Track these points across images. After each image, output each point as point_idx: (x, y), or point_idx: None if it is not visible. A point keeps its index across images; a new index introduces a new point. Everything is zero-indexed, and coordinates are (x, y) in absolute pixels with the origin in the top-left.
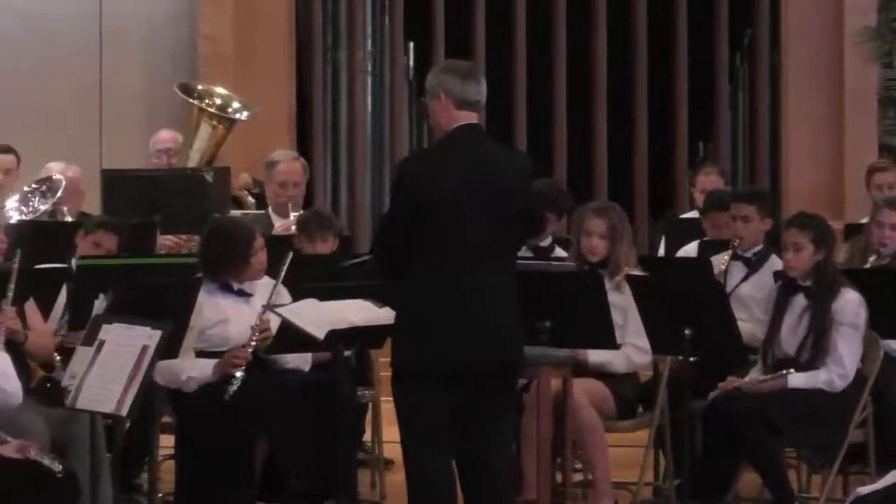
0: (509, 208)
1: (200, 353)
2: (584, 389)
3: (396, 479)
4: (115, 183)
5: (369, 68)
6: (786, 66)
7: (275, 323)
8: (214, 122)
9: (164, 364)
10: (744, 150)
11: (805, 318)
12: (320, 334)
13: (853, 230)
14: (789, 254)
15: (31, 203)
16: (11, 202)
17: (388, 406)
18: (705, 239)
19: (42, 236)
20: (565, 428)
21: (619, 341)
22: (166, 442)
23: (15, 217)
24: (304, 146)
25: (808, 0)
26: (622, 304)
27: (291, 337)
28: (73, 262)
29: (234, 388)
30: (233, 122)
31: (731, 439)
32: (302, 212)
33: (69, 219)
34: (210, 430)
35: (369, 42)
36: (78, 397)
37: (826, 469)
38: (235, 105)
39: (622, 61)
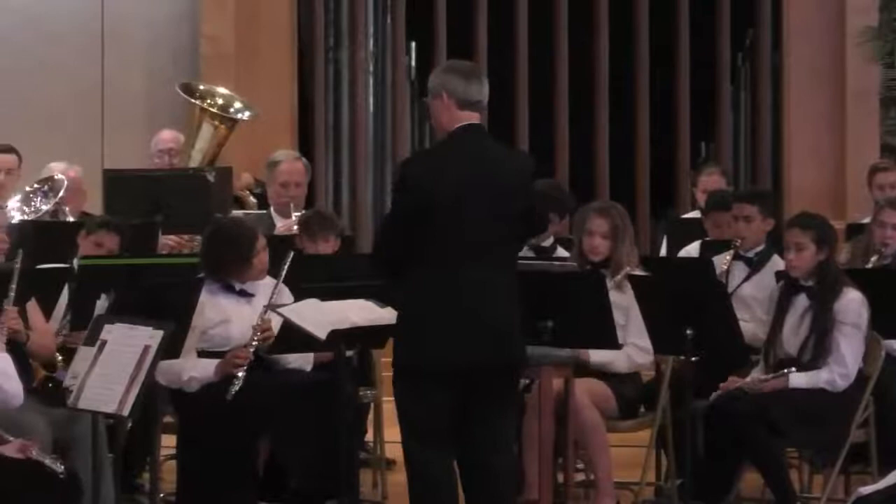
0: (511, 208)
1: (202, 354)
2: (586, 389)
3: (398, 479)
4: (117, 183)
5: (371, 68)
6: (787, 66)
7: (276, 323)
8: (216, 123)
9: (165, 364)
10: (746, 151)
11: (807, 318)
12: (322, 334)
13: (855, 230)
14: (791, 253)
15: (33, 203)
16: (13, 202)
17: (389, 406)
18: (707, 239)
19: (44, 236)
20: (567, 428)
21: (620, 341)
22: (168, 442)
23: (17, 217)
24: (305, 146)
25: (810, 0)
26: (624, 304)
27: (293, 337)
28: (75, 262)
29: (236, 388)
30: (235, 122)
31: (733, 439)
32: (304, 212)
33: (71, 219)
34: (212, 430)
35: (371, 42)
36: (80, 397)
37: (828, 469)
38: (237, 105)
39: (624, 61)
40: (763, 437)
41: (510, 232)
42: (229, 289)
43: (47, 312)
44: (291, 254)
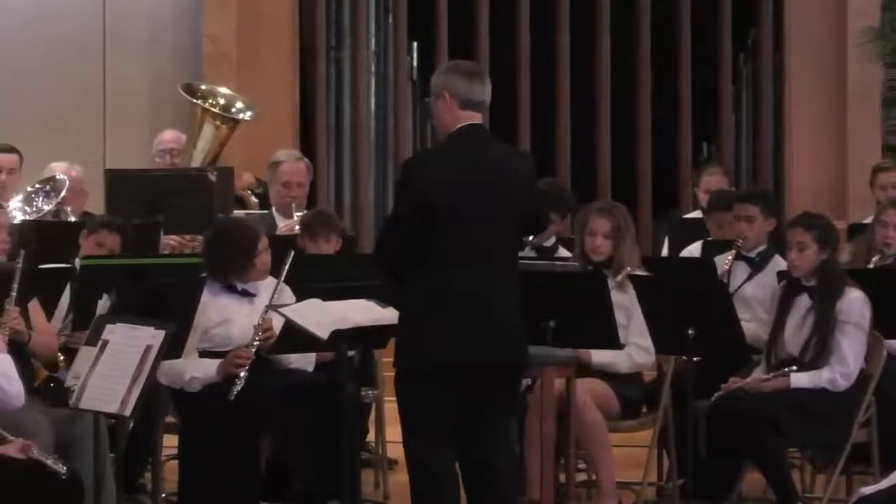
0: (513, 208)
1: (204, 354)
2: (588, 389)
3: (400, 479)
4: (119, 183)
5: (373, 68)
6: (789, 66)
7: (277, 323)
8: (218, 122)
9: (167, 364)
10: (747, 151)
11: (809, 318)
12: (324, 334)
13: (856, 230)
14: (794, 253)
15: (34, 203)
16: (15, 202)
17: (391, 406)
18: (709, 239)
19: (45, 236)
20: (569, 428)
21: (622, 341)
22: (170, 442)
23: (18, 217)
24: (307, 146)
25: (812, 0)
26: (626, 304)
27: (295, 337)
28: (77, 262)
29: (238, 388)
30: (236, 122)
31: (734, 439)
32: (305, 212)
33: (73, 219)
34: (213, 430)
35: (373, 42)
36: (81, 397)
37: (830, 469)
38: (239, 105)
39: (626, 62)
40: (765, 437)
41: (512, 232)
42: (231, 289)
43: (49, 312)
44: (292, 253)
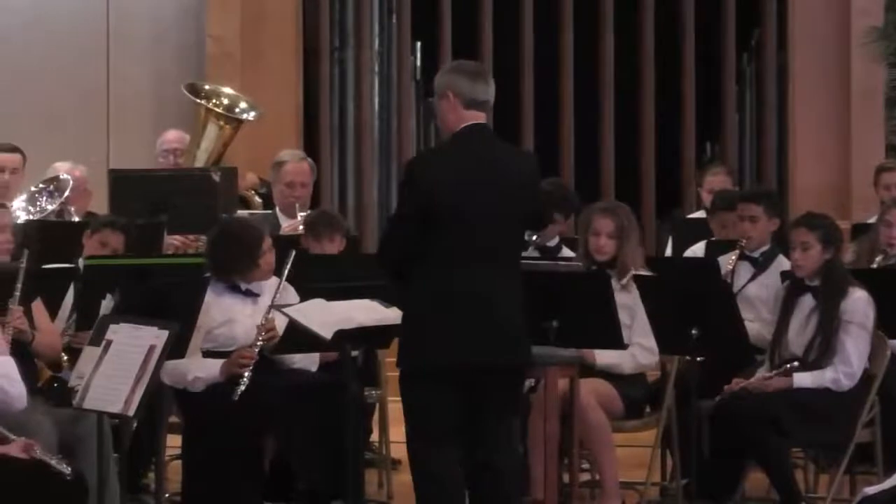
0: (517, 208)
1: (207, 354)
2: (592, 389)
3: (404, 479)
4: (122, 183)
5: (376, 68)
6: (793, 66)
7: (281, 323)
8: (221, 123)
9: (170, 364)
10: (751, 150)
11: (813, 318)
12: (327, 334)
13: (860, 230)
14: (797, 253)
15: (38, 203)
16: (18, 202)
17: (395, 406)
18: (712, 239)
19: (49, 236)
20: (572, 428)
21: (626, 341)
22: (173, 442)
23: (22, 217)
24: (311, 146)
25: (816, 1)
26: (629, 304)
27: (298, 337)
28: (81, 261)
29: (242, 388)
30: (240, 122)
31: (738, 439)
32: (309, 212)
33: (76, 219)
34: (217, 430)
35: (376, 42)
36: (85, 397)
37: (833, 469)
38: (242, 105)
39: (629, 61)
40: (768, 437)
41: (515, 232)
42: (235, 289)
43: (52, 312)
44: (293, 253)
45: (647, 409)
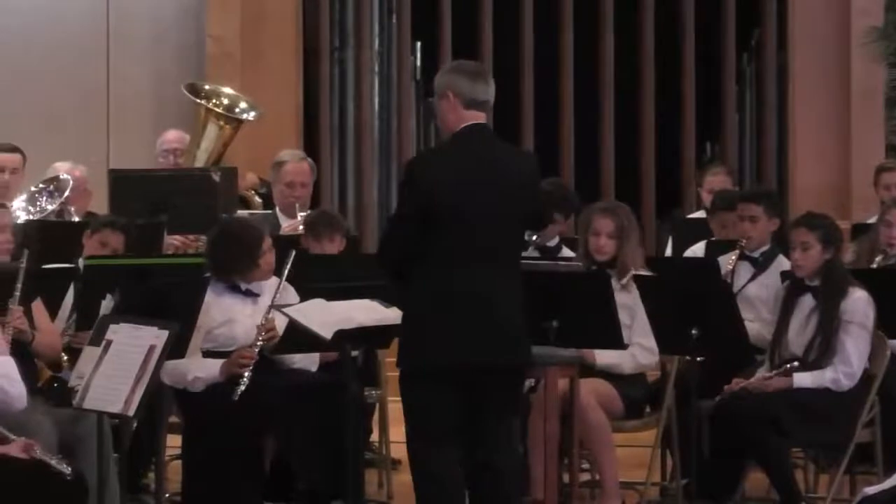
0: (516, 208)
1: (207, 354)
2: (592, 389)
3: (404, 479)
4: (122, 183)
5: (376, 68)
6: (793, 66)
7: (281, 323)
8: (221, 123)
9: (170, 364)
10: (751, 150)
11: (813, 318)
12: (327, 334)
13: (860, 230)
14: (797, 252)
15: (38, 203)
16: (18, 202)
17: (395, 406)
18: (712, 239)
19: (49, 236)
20: (572, 428)
21: (626, 341)
22: (173, 442)
23: (22, 217)
24: (310, 146)
25: (816, 1)
26: (629, 304)
27: (298, 337)
28: (81, 261)
29: (242, 388)
30: (240, 122)
31: (738, 439)
32: (309, 212)
33: (76, 219)
34: (217, 430)
35: (376, 42)
36: (85, 397)
37: (833, 469)
38: (242, 105)
39: (629, 61)
40: (768, 437)
41: (515, 232)
42: (235, 289)
43: (53, 312)
44: (293, 253)
45: (647, 409)
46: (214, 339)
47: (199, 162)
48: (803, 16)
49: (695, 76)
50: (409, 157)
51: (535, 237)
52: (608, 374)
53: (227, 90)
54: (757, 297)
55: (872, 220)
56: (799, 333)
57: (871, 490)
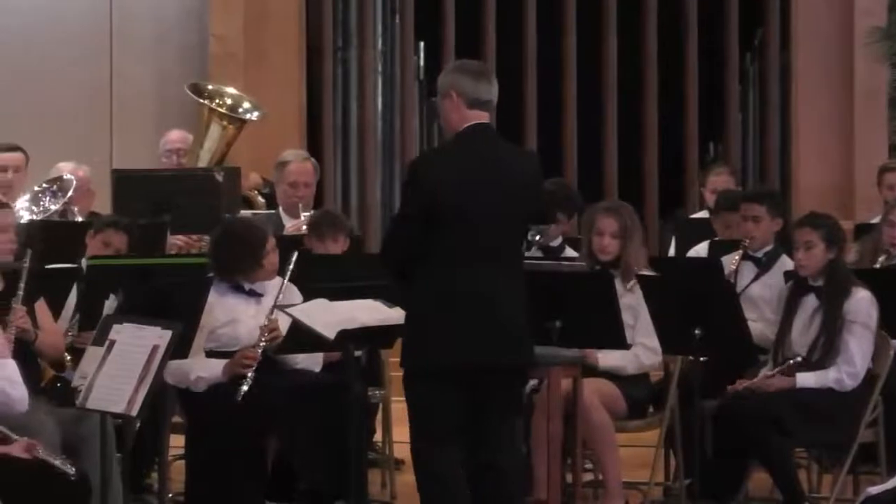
0: (519, 208)
1: (210, 354)
2: (595, 389)
3: (407, 479)
4: (126, 183)
5: (379, 68)
6: (796, 66)
7: (284, 323)
8: (225, 123)
9: (173, 364)
10: (754, 150)
11: (816, 318)
12: (331, 334)
13: (863, 230)
14: (801, 252)
15: (41, 203)
16: (22, 202)
17: (398, 406)
18: (716, 239)
19: (52, 236)
20: (576, 428)
21: (629, 341)
22: (176, 442)
23: (25, 217)
24: (314, 146)
25: (819, 0)
26: (633, 305)
27: (302, 337)
28: (84, 261)
29: (245, 388)
30: (243, 122)
31: (741, 439)
32: (312, 212)
33: (79, 219)
34: (220, 430)
35: (380, 42)
36: (88, 397)
37: (836, 469)
38: (246, 105)
39: (632, 61)
40: (771, 437)
41: (518, 232)
42: (238, 289)
43: (56, 312)
44: (296, 253)
45: (651, 409)
46: (218, 339)
47: (203, 162)
48: (806, 15)
49: (698, 76)
50: (412, 157)
51: (538, 237)
52: (611, 374)
53: (231, 90)
54: (760, 297)
55: (876, 220)
56: (802, 333)
57: (874, 490)
